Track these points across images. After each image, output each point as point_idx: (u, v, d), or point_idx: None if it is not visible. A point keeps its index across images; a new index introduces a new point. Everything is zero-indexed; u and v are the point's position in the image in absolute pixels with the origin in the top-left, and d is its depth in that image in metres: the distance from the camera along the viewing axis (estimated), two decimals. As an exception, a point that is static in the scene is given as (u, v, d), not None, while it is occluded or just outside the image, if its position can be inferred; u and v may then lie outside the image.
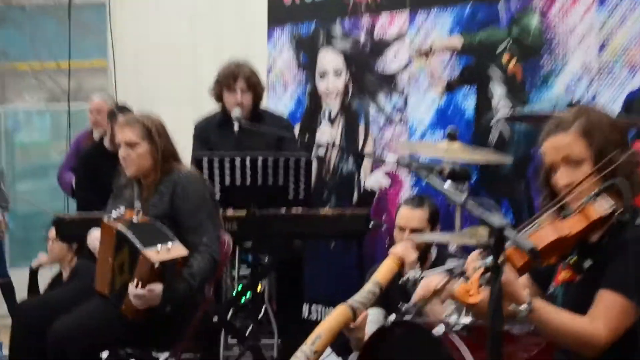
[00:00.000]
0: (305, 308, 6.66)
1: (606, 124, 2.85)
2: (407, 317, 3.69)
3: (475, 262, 2.69)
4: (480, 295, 2.53)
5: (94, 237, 4.57)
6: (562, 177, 2.83)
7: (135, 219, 4.33)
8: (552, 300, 2.91)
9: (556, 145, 2.84)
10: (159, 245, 4.16)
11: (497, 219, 2.07)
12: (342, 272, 6.41)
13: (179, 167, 4.55)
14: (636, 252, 2.66)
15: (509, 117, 5.24)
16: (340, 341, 5.16)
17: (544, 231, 2.70)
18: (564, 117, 2.88)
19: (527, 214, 5.28)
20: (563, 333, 2.74)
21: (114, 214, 4.38)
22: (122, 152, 4.50)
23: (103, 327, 4.33)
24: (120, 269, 4.28)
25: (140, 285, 4.14)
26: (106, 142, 6.40)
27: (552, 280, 2.97)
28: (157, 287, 4.17)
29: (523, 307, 2.64)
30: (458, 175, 2.85)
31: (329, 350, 5.10)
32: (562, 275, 2.92)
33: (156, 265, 4.12)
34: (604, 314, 2.71)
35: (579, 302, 2.78)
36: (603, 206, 2.73)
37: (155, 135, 4.47)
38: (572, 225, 2.72)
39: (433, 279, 3.53)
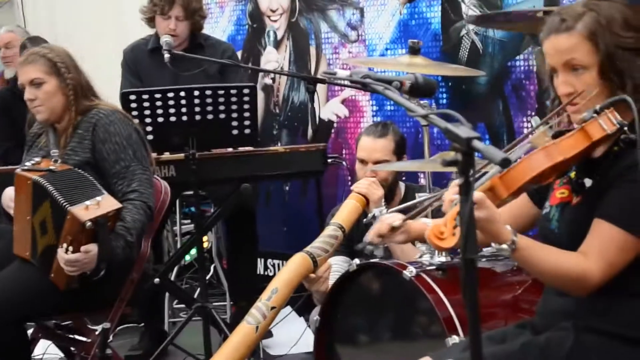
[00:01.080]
0: (259, 264, 6.68)
1: (620, 21, 2.78)
2: (375, 260, 3.74)
3: (450, 199, 2.67)
4: (455, 238, 2.47)
5: (9, 194, 4.51)
6: (562, 85, 2.82)
7: (54, 168, 4.27)
8: (546, 222, 2.93)
9: (558, 48, 2.82)
10: (87, 201, 4.07)
11: (464, 130, 2.09)
12: (299, 220, 6.45)
13: (98, 105, 4.50)
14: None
15: (478, 18, 5.21)
16: (302, 300, 5.25)
17: (535, 158, 2.67)
18: (570, 11, 2.83)
19: (506, 139, 5.33)
20: (551, 273, 2.76)
21: (28, 164, 4.35)
22: (27, 94, 4.45)
23: (27, 295, 4.27)
24: (42, 227, 4.23)
25: (71, 249, 4.06)
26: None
27: (548, 198, 2.98)
28: (92, 249, 4.07)
29: (504, 246, 2.67)
30: (421, 88, 2.83)
31: (288, 309, 5.15)
32: (559, 193, 2.93)
33: (87, 225, 4.01)
34: (600, 248, 2.72)
35: (576, 229, 2.79)
36: (607, 124, 2.69)
37: (63, 68, 4.42)
38: (569, 147, 2.69)
39: (394, 214, 3.54)
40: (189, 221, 7.00)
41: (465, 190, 2.12)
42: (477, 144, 2.07)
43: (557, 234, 2.88)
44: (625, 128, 2.70)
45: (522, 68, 5.33)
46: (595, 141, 2.71)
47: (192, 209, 6.54)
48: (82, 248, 4.06)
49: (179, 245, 6.50)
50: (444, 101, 5.53)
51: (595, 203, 2.77)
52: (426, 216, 3.48)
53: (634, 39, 2.77)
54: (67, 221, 4.06)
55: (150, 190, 4.40)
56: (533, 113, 5.22)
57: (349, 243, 4.46)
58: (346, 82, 4.60)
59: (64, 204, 4.06)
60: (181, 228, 6.64)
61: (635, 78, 2.76)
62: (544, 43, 2.88)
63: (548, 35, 2.85)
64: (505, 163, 2.06)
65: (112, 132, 4.39)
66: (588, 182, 2.85)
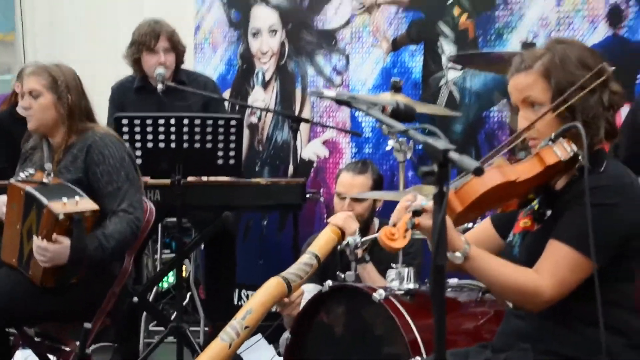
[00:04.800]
0: (234, 294, 6.69)
1: (574, 61, 2.85)
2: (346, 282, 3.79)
3: (403, 205, 2.77)
4: (405, 240, 2.65)
5: (1, 203, 4.53)
6: (521, 120, 2.90)
7: (46, 180, 4.32)
8: (510, 249, 3.00)
9: (517, 86, 2.90)
10: (65, 199, 4.13)
11: (441, 143, 2.15)
12: (275, 254, 6.46)
13: (94, 128, 4.52)
14: (593, 203, 2.67)
15: (454, 58, 5.29)
16: (272, 328, 5.26)
17: (488, 175, 2.71)
18: (530, 53, 2.92)
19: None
20: (503, 284, 2.81)
21: (22, 175, 4.38)
22: (23, 102, 4.50)
23: (12, 301, 4.28)
24: (28, 234, 4.26)
25: (45, 240, 4.12)
26: (19, 107, 6.38)
27: (512, 228, 3.04)
28: (63, 241, 4.13)
29: (458, 254, 2.73)
30: (402, 113, 2.89)
31: (258, 335, 5.16)
32: (522, 222, 2.99)
33: (60, 217, 4.08)
34: (551, 266, 2.76)
35: (534, 253, 2.84)
36: (561, 151, 2.75)
37: (63, 86, 4.44)
38: (524, 170, 2.76)
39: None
40: (168, 251, 7.00)
41: (439, 200, 2.18)
42: (452, 155, 2.13)
43: (517, 259, 2.92)
44: (580, 157, 2.76)
45: (496, 119, 5.40)
46: (549, 166, 2.76)
47: (173, 241, 6.53)
48: (53, 237, 4.11)
49: (157, 268, 6.51)
50: (420, 146, 5.56)
51: (553, 229, 2.82)
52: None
53: (586, 77, 2.82)
54: (43, 215, 4.12)
55: (139, 210, 4.42)
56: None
57: (323, 272, 4.49)
58: (332, 100, 4.63)
59: (43, 200, 4.11)
60: (162, 257, 6.64)
61: (586, 114, 2.81)
62: (509, 82, 2.96)
63: (511, 74, 2.94)
64: (478, 171, 2.11)
65: (107, 154, 4.41)
66: (548, 212, 2.91)
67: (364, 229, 4.67)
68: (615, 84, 2.88)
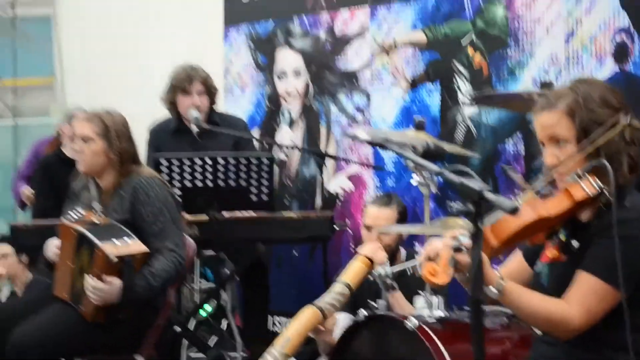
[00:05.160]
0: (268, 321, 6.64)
1: (596, 100, 2.82)
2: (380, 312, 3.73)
3: (444, 243, 2.71)
4: (447, 277, 2.60)
5: (52, 245, 4.52)
6: (547, 157, 2.88)
7: (96, 220, 4.30)
8: (537, 278, 2.96)
9: (543, 124, 2.88)
10: (116, 240, 4.13)
11: (476, 183, 2.11)
12: (306, 283, 6.41)
13: (140, 171, 4.49)
14: (619, 235, 2.65)
15: (474, 98, 5.26)
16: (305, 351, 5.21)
17: (523, 210, 2.70)
18: (555, 93, 2.91)
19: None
20: (535, 315, 2.79)
21: (73, 215, 4.35)
22: (75, 146, 4.49)
23: (64, 333, 4.25)
24: (80, 271, 4.24)
25: (97, 279, 4.11)
26: (66, 149, 6.37)
27: (540, 257, 3.00)
28: (115, 281, 4.13)
29: (493, 289, 2.69)
30: (433, 153, 2.88)
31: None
32: (549, 253, 2.94)
33: (113, 259, 4.08)
34: (580, 297, 2.75)
35: (563, 284, 2.81)
36: (588, 187, 2.74)
37: (113, 134, 4.42)
38: (554, 206, 2.75)
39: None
40: (204, 280, 6.95)
41: (476, 237, 2.14)
42: (488, 195, 2.08)
43: (546, 288, 2.89)
44: (606, 191, 2.74)
45: (511, 152, 5.34)
46: (578, 202, 2.75)
47: (209, 271, 6.48)
48: (105, 278, 4.11)
49: (196, 299, 6.46)
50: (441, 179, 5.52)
51: (581, 261, 2.80)
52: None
53: (608, 115, 2.81)
54: (96, 255, 4.12)
55: (183, 248, 4.41)
56: (520, 192, 5.21)
57: (354, 301, 4.44)
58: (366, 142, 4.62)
59: (96, 241, 4.11)
60: (200, 286, 6.59)
61: (609, 150, 2.79)
62: (534, 120, 2.94)
63: (536, 113, 2.93)
64: (514, 211, 2.07)
65: (152, 196, 4.38)
66: (575, 243, 2.87)
67: (392, 258, 4.63)
68: (636, 120, 2.84)
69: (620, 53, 4.83)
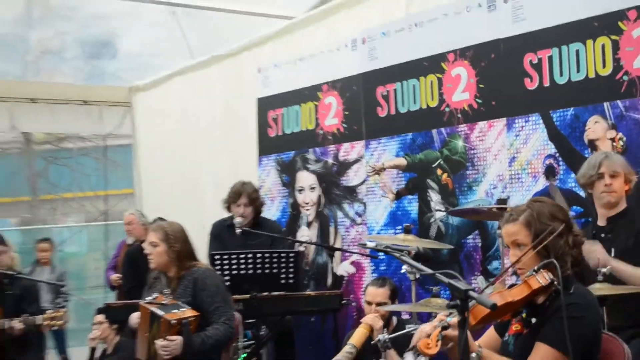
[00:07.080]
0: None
1: (547, 214, 2.81)
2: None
3: (435, 323, 2.66)
4: (437, 348, 2.54)
5: (134, 317, 4.50)
6: (511, 256, 2.86)
7: (166, 302, 4.24)
8: (505, 346, 2.88)
9: (507, 232, 2.86)
10: (174, 310, 4.13)
11: (462, 284, 2.03)
12: (320, 342, 6.28)
13: (197, 265, 4.44)
14: (568, 315, 2.61)
15: (450, 211, 5.21)
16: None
17: (493, 297, 2.63)
18: (516, 209, 2.89)
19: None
20: None
21: (149, 298, 4.32)
22: (147, 249, 4.45)
23: None
24: (153, 338, 4.19)
25: (163, 339, 4.09)
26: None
27: (507, 330, 2.93)
28: (176, 338, 4.09)
29: (473, 354, 2.62)
30: (422, 256, 2.83)
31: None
32: (514, 327, 2.89)
33: (172, 322, 4.06)
34: None
35: (526, 350, 2.75)
36: (542, 279, 2.70)
37: (172, 239, 4.38)
38: (517, 293, 2.70)
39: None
40: (245, 339, 6.82)
41: (462, 325, 2.04)
42: (472, 294, 2.00)
43: (513, 354, 2.81)
44: (556, 282, 2.69)
45: (471, 244, 5.26)
46: (534, 290, 2.69)
47: (249, 332, 6.36)
48: (169, 337, 4.08)
49: (240, 355, 6.33)
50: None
51: (538, 333, 2.73)
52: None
53: (558, 222, 2.79)
54: (161, 323, 4.09)
55: (232, 321, 4.35)
56: (478, 274, 5.14)
57: (359, 357, 4.33)
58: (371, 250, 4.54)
59: (160, 313, 4.09)
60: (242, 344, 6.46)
61: (557, 252, 2.75)
62: (502, 229, 2.91)
63: (503, 224, 2.90)
64: (494, 307, 1.99)
65: (209, 283, 4.33)
66: (534, 320, 2.81)
67: (386, 324, 4.53)
68: (576, 228, 2.79)
69: (549, 172, 4.78)
